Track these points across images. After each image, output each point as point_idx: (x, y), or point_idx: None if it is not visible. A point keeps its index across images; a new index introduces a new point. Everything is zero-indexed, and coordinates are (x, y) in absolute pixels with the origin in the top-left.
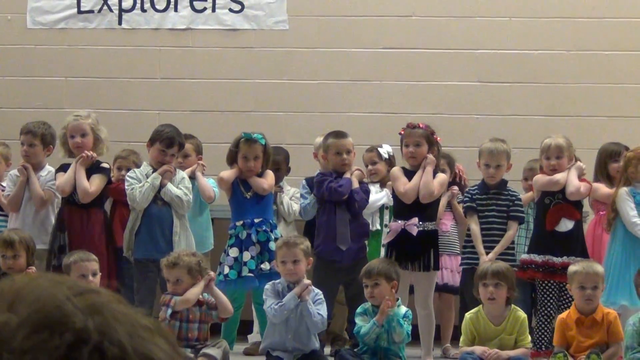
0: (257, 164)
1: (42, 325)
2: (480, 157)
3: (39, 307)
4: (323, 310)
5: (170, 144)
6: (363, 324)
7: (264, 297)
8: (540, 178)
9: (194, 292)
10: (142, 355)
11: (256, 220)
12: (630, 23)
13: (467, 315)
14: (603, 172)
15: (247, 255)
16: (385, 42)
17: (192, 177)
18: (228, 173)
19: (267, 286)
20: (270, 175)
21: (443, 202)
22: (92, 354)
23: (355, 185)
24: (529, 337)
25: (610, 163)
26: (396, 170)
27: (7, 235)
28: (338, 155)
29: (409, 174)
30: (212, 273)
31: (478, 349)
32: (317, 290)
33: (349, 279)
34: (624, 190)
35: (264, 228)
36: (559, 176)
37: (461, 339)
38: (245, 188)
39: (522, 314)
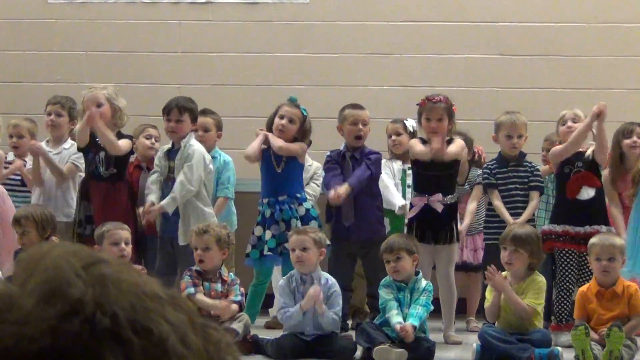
0: (290, 127)
1: (44, 297)
2: (499, 129)
3: (45, 279)
4: (338, 306)
5: (168, 111)
6: (386, 297)
7: (276, 294)
8: (555, 148)
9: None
10: (139, 327)
11: (280, 199)
12: None
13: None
14: (615, 152)
15: (268, 234)
16: (405, 15)
17: (214, 157)
18: (251, 146)
19: (282, 282)
20: (297, 144)
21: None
22: (83, 325)
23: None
24: (540, 302)
25: (622, 140)
26: (415, 139)
27: (16, 213)
28: (354, 125)
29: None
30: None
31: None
32: (332, 282)
33: (363, 254)
34: None
35: (287, 206)
36: (577, 137)
37: (486, 301)
38: (277, 161)
39: (541, 278)
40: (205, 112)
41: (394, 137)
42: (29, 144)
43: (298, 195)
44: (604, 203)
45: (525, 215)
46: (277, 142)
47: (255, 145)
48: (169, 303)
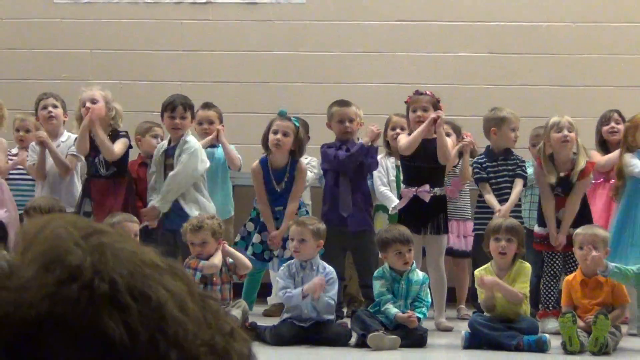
0: (285, 140)
1: (44, 265)
2: (503, 124)
3: (45, 248)
4: (334, 291)
5: (173, 107)
6: (382, 290)
7: (277, 278)
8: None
9: (218, 257)
10: (137, 293)
11: (277, 209)
12: None
13: (477, 271)
14: (598, 137)
15: (257, 238)
16: (398, 14)
17: (214, 145)
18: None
19: (282, 267)
20: (301, 178)
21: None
22: (81, 290)
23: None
24: (526, 287)
25: (603, 126)
26: (403, 135)
27: (26, 205)
28: (341, 123)
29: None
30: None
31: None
32: (329, 270)
33: (354, 245)
34: (627, 155)
35: (282, 217)
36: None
37: (479, 297)
38: (277, 180)
39: (527, 265)
40: (209, 105)
41: (397, 130)
42: (36, 134)
43: None
44: (587, 208)
45: (510, 201)
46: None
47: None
48: (168, 272)
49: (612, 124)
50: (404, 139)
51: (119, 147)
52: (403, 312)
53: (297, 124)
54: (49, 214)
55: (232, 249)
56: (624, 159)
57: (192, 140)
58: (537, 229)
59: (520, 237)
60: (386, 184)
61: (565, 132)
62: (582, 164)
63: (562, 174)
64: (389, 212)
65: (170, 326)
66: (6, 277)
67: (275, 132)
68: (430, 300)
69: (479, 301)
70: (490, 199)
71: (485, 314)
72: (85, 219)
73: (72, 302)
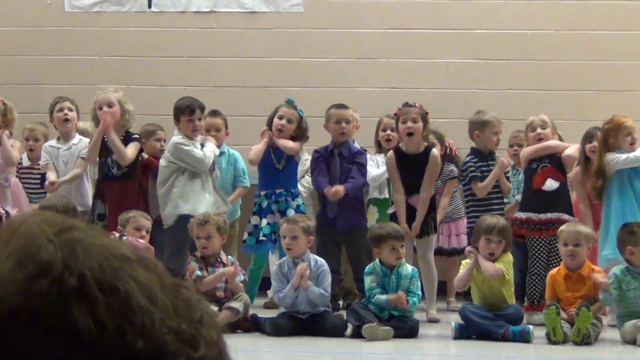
0: (288, 126)
1: (18, 262)
2: (485, 128)
3: (19, 245)
4: (326, 283)
5: (191, 111)
6: (372, 285)
7: (271, 279)
8: (527, 148)
9: (215, 279)
10: (105, 285)
11: (277, 191)
12: (612, 5)
13: (465, 262)
14: (582, 154)
15: (264, 222)
16: (391, 23)
17: (221, 153)
18: (254, 150)
19: (275, 268)
20: (298, 144)
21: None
22: (51, 285)
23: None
24: (509, 269)
25: (586, 144)
26: (390, 159)
27: (43, 202)
28: (337, 124)
29: (403, 159)
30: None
31: None
32: (321, 262)
33: (347, 242)
34: (608, 154)
35: (284, 198)
36: (551, 143)
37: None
38: (277, 158)
39: (510, 256)
40: (216, 113)
41: (388, 132)
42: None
43: (293, 190)
44: (567, 196)
45: (494, 173)
46: (287, 143)
47: (257, 149)
48: (139, 264)
49: (595, 143)
50: (458, 280)
51: (131, 151)
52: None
53: (301, 113)
54: (64, 213)
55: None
56: (605, 157)
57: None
58: (518, 213)
59: (509, 236)
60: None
61: (539, 130)
62: (561, 146)
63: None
64: (387, 211)
65: (137, 316)
66: None
67: (281, 118)
68: (420, 292)
69: (454, 280)
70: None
71: (472, 302)
72: (60, 216)
73: (43, 296)
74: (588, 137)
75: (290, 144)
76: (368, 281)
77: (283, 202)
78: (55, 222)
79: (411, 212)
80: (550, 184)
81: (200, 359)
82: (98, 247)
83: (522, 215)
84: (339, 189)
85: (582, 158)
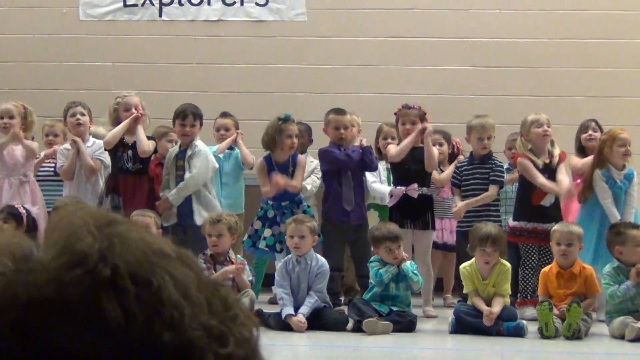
0: (298, 142)
1: (58, 251)
2: (471, 132)
3: (62, 235)
4: (324, 282)
5: (184, 116)
6: (377, 269)
7: (276, 276)
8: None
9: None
10: (139, 278)
11: (283, 203)
12: (603, 15)
13: (463, 267)
14: (577, 144)
15: (267, 232)
16: (391, 31)
17: (232, 148)
18: (266, 191)
19: (280, 265)
20: (301, 175)
21: (448, 173)
22: (85, 275)
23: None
24: (508, 287)
25: (581, 134)
26: (392, 145)
27: (57, 203)
28: (336, 129)
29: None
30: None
31: (479, 304)
32: (322, 262)
33: (354, 238)
34: (598, 174)
35: (290, 210)
36: (547, 184)
37: (465, 287)
38: (281, 172)
39: (507, 265)
40: (226, 114)
41: (389, 140)
42: (71, 137)
43: (297, 199)
44: (559, 206)
45: (476, 199)
46: (294, 184)
47: (269, 191)
48: (178, 260)
49: (590, 132)
50: (393, 149)
51: (152, 144)
52: (396, 295)
53: (289, 116)
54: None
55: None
56: (595, 176)
57: (201, 145)
58: (511, 222)
59: (504, 244)
60: (378, 182)
61: (545, 127)
62: (558, 151)
63: (546, 161)
64: (387, 203)
65: (167, 309)
66: (24, 260)
67: (290, 137)
68: (422, 278)
69: (464, 292)
70: (457, 201)
71: (468, 302)
72: (105, 211)
73: (76, 286)
74: (583, 128)
75: (293, 183)
76: (374, 268)
77: (288, 214)
78: (99, 216)
79: (408, 205)
80: (549, 200)
81: (228, 356)
82: (137, 242)
83: (527, 225)
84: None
85: (577, 146)
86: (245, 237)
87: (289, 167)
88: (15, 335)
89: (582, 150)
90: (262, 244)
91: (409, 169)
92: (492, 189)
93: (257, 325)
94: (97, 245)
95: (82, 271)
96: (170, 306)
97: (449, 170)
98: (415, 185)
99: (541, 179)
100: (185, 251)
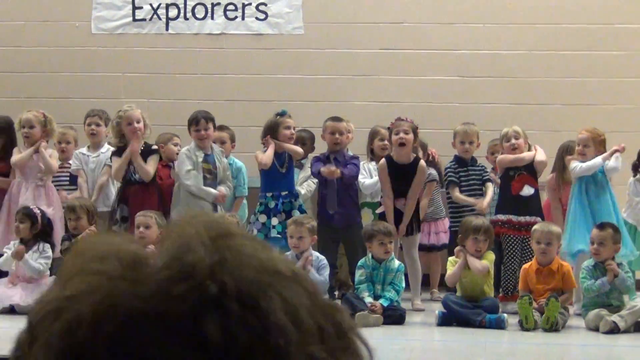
0: (295, 133)
1: (168, 261)
2: (455, 137)
3: (173, 244)
4: (325, 274)
5: (197, 121)
6: (360, 278)
7: None
8: (505, 157)
9: None
10: (246, 298)
11: (282, 193)
12: (579, 28)
13: (451, 258)
14: (559, 164)
15: (275, 221)
16: (382, 44)
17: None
18: (265, 156)
19: None
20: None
21: (425, 202)
22: (191, 290)
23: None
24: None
25: (566, 156)
26: (382, 166)
27: (70, 203)
28: (332, 135)
29: (393, 167)
30: None
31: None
32: (321, 257)
33: (344, 237)
34: (571, 162)
35: (288, 200)
36: (525, 155)
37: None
38: (279, 163)
39: (492, 255)
40: (222, 127)
41: (386, 142)
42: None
43: (294, 191)
44: (539, 199)
45: (487, 199)
46: (298, 148)
47: (269, 155)
48: (293, 281)
49: (575, 155)
50: (450, 277)
51: (152, 166)
52: (376, 297)
53: (285, 112)
54: (92, 213)
55: None
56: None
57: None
58: (494, 216)
59: (492, 235)
60: (367, 177)
61: (513, 141)
62: (532, 155)
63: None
64: (376, 211)
65: (272, 336)
66: (131, 268)
67: (288, 128)
68: (403, 285)
69: (446, 277)
70: (460, 197)
71: (454, 290)
72: (223, 222)
73: (180, 301)
74: (568, 150)
75: (297, 148)
76: (358, 274)
77: (288, 203)
78: (215, 226)
79: (398, 214)
80: (528, 190)
81: None
82: (251, 258)
83: (502, 217)
84: (335, 169)
85: (560, 167)
86: (255, 232)
87: (285, 158)
88: (108, 347)
89: (563, 171)
90: (273, 232)
91: (399, 188)
92: (490, 186)
93: (371, 355)
94: (207, 259)
95: (188, 286)
96: (277, 332)
97: (427, 200)
98: (403, 201)
99: (523, 155)
100: (301, 270)
